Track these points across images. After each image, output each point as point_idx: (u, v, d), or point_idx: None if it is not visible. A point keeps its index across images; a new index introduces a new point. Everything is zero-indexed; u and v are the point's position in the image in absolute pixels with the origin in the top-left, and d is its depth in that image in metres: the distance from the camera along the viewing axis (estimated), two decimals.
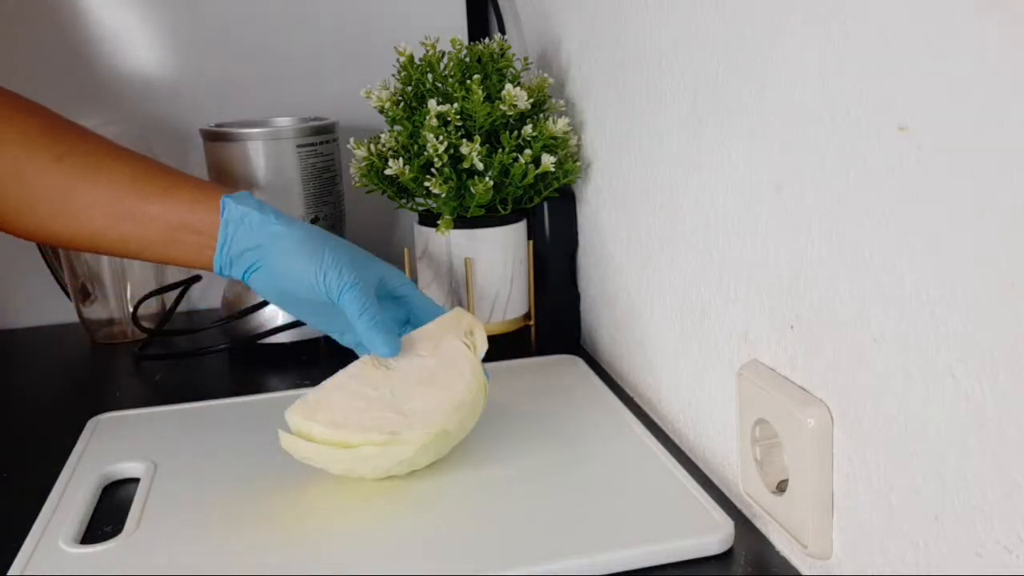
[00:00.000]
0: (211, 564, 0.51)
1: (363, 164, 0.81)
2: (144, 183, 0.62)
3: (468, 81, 0.78)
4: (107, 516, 0.58)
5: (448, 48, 0.81)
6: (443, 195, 0.76)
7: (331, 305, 0.62)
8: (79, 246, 0.64)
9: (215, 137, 0.87)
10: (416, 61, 0.81)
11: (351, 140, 0.81)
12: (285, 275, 0.62)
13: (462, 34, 1.07)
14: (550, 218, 0.85)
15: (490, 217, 0.80)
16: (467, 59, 0.81)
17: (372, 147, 0.80)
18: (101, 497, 0.61)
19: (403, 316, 0.67)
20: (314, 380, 0.80)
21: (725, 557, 0.52)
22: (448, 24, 1.05)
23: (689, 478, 0.58)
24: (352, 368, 0.61)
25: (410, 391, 0.59)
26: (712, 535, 0.52)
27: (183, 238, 0.62)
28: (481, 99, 0.76)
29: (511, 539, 0.53)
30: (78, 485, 0.61)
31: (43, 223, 0.61)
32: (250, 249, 0.62)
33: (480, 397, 0.61)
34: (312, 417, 0.57)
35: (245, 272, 0.63)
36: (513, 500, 0.57)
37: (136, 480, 0.62)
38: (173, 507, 0.58)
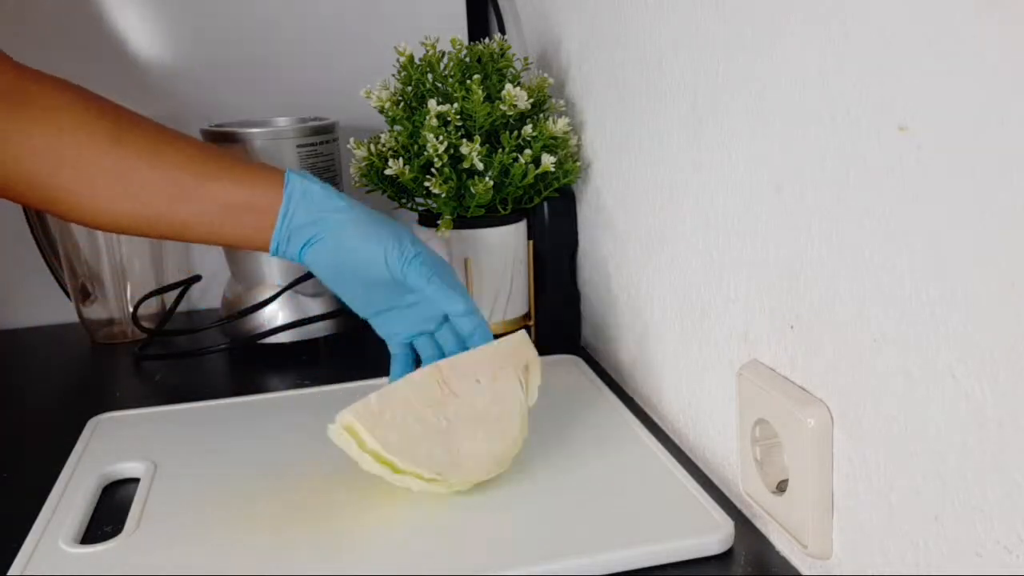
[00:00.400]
0: (211, 564, 0.51)
1: (363, 164, 0.81)
2: (203, 163, 0.62)
3: (468, 81, 0.78)
4: (107, 516, 0.58)
5: (448, 48, 0.81)
6: (443, 195, 0.76)
7: (387, 283, 0.62)
8: (139, 229, 0.63)
9: (215, 137, 0.87)
10: (416, 61, 0.81)
11: (351, 140, 0.81)
12: (347, 248, 0.62)
13: (462, 34, 1.07)
14: (550, 218, 0.85)
15: (490, 217, 0.80)
16: (467, 59, 0.81)
17: (372, 147, 0.80)
18: (101, 497, 0.61)
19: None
20: (314, 380, 0.80)
21: (725, 557, 0.52)
22: (448, 24, 1.05)
23: (689, 478, 0.58)
24: (417, 377, 0.58)
25: (464, 429, 0.57)
26: (712, 535, 0.52)
27: (242, 217, 0.62)
28: (481, 99, 0.76)
29: (511, 539, 0.53)
30: (78, 485, 0.61)
31: (103, 206, 0.61)
32: (311, 223, 0.62)
33: (519, 447, 0.60)
34: (371, 429, 0.55)
35: (303, 247, 0.62)
36: (513, 500, 0.57)
37: (136, 480, 0.62)
38: (173, 507, 0.58)
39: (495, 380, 0.59)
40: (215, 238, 0.64)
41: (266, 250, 0.63)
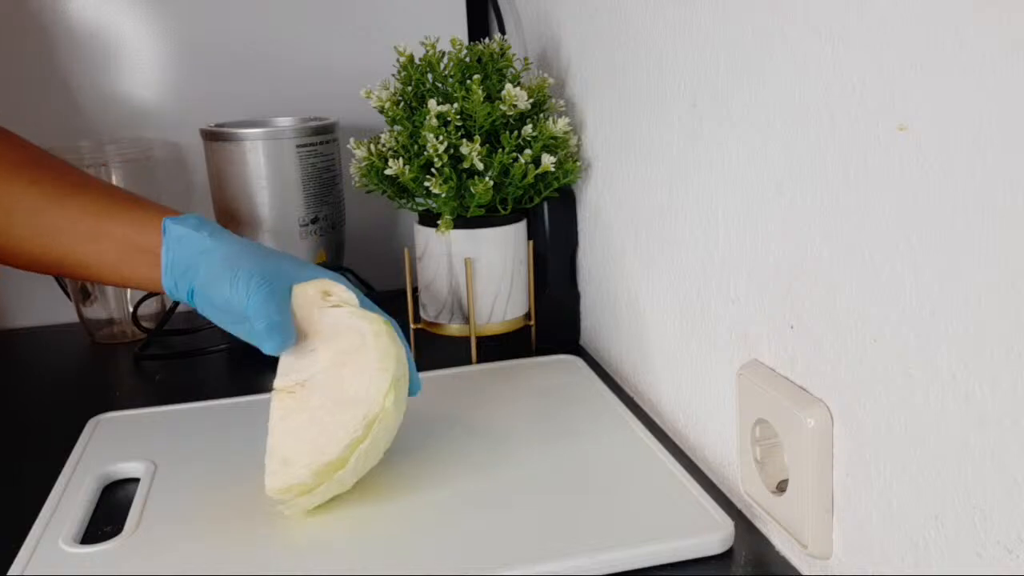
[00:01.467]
0: (211, 564, 0.51)
1: (363, 164, 0.81)
2: (106, 205, 0.65)
3: (468, 81, 0.78)
4: (107, 516, 0.58)
5: (448, 48, 0.81)
6: (443, 195, 0.76)
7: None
8: (48, 267, 0.67)
9: (215, 137, 0.87)
10: (416, 61, 0.81)
11: (351, 140, 0.81)
12: (209, 288, 0.61)
13: (462, 34, 1.07)
14: (550, 218, 0.85)
15: (490, 217, 0.80)
16: (467, 59, 0.81)
17: (372, 147, 0.80)
18: (101, 497, 0.61)
19: None
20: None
21: (725, 557, 0.52)
22: (448, 24, 1.05)
23: (689, 478, 0.58)
24: (274, 416, 0.58)
25: (338, 385, 0.56)
26: (712, 535, 0.52)
27: (137, 259, 0.64)
28: (481, 99, 0.76)
29: (511, 539, 0.53)
30: (78, 485, 0.61)
31: (17, 244, 0.64)
32: (188, 269, 0.62)
33: (383, 337, 0.57)
34: (291, 476, 0.54)
35: (188, 294, 0.63)
36: (513, 500, 0.57)
37: (136, 480, 0.62)
38: (173, 507, 0.58)
39: (316, 331, 0.59)
40: (117, 279, 0.66)
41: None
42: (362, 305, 0.60)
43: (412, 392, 0.61)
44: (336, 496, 0.56)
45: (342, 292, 0.60)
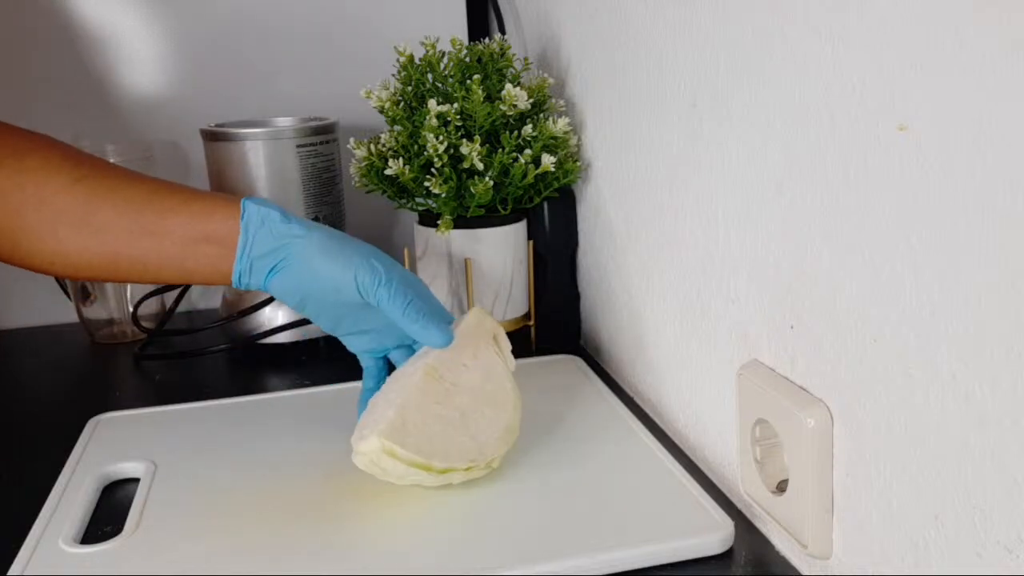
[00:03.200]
0: (211, 564, 0.51)
1: (363, 164, 0.81)
2: (162, 199, 0.62)
3: (468, 81, 0.78)
4: (107, 516, 0.58)
5: (448, 48, 0.81)
6: (443, 195, 0.76)
7: (356, 306, 0.62)
8: (99, 271, 0.63)
9: (215, 137, 0.87)
10: (416, 61, 0.81)
11: (351, 140, 0.81)
12: (312, 276, 0.61)
13: (462, 34, 1.07)
14: (550, 218, 0.85)
15: (490, 217, 0.80)
16: (467, 59, 0.81)
17: (372, 147, 0.80)
18: (101, 497, 0.61)
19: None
20: (314, 380, 0.80)
21: (725, 557, 0.52)
22: (448, 24, 1.05)
23: (689, 478, 0.58)
24: (415, 381, 0.59)
25: (474, 412, 0.59)
26: (712, 535, 0.52)
27: (202, 250, 0.61)
28: (481, 99, 0.76)
29: (511, 539, 0.53)
30: (78, 485, 0.61)
31: (66, 247, 0.61)
32: (272, 251, 0.61)
33: (520, 409, 0.63)
34: (402, 442, 0.55)
35: (267, 275, 0.61)
36: (513, 499, 0.57)
37: (136, 480, 0.62)
38: (173, 507, 0.58)
39: (476, 358, 0.62)
40: (178, 274, 0.63)
41: (229, 283, 0.62)
42: None
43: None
44: (334, 496, 0.56)
45: (507, 348, 0.65)
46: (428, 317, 0.61)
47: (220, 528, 0.55)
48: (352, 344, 0.66)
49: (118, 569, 0.52)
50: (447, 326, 0.62)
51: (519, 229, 0.83)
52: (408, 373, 0.60)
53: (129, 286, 0.94)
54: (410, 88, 0.81)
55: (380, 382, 0.65)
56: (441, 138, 0.75)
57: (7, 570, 0.52)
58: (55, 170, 0.61)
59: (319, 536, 0.54)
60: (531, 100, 0.79)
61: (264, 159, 0.86)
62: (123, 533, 0.55)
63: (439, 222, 0.78)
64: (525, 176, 0.77)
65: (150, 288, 0.92)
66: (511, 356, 0.65)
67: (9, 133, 0.63)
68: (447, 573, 0.50)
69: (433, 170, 0.77)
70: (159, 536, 0.55)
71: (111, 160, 0.93)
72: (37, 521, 0.56)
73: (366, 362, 0.67)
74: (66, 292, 0.98)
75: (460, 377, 0.61)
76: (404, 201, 0.82)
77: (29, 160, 0.61)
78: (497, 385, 0.62)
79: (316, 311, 0.63)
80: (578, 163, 0.82)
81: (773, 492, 0.51)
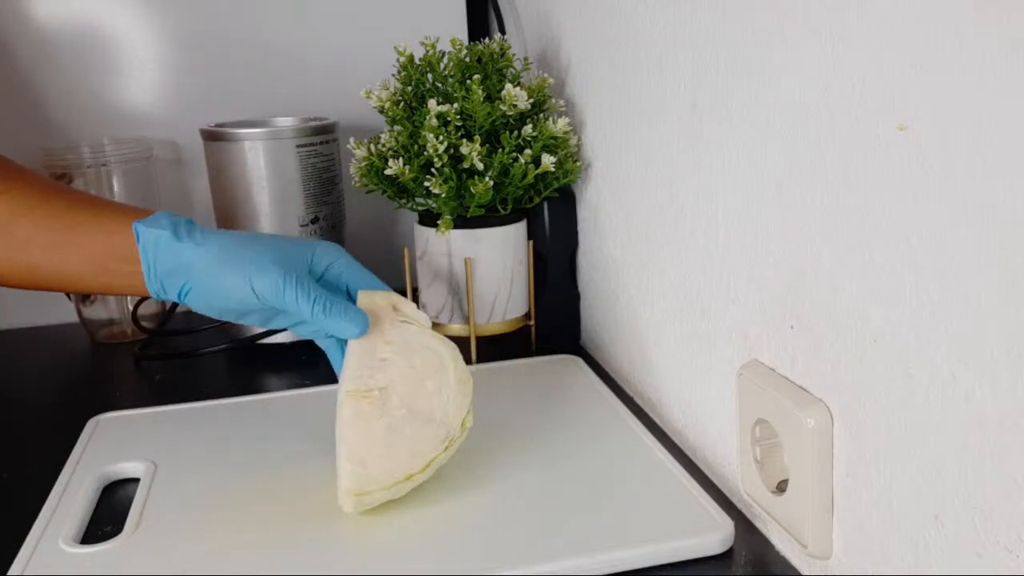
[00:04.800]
0: (211, 564, 0.51)
1: (363, 164, 0.81)
2: (75, 213, 0.62)
3: (468, 81, 0.78)
4: (107, 516, 0.58)
5: (448, 48, 0.81)
6: (443, 195, 0.76)
7: (271, 310, 0.61)
8: (22, 280, 0.63)
9: (215, 137, 0.87)
10: (416, 61, 0.81)
11: (351, 140, 0.81)
12: (215, 290, 0.60)
13: (462, 34, 1.07)
14: (550, 218, 0.85)
15: (490, 217, 0.80)
16: (467, 59, 0.81)
17: (372, 147, 0.80)
18: (101, 497, 0.61)
19: (343, 293, 0.64)
20: (314, 380, 0.80)
21: (725, 557, 0.52)
22: (448, 24, 1.05)
23: (689, 478, 0.58)
24: (345, 415, 0.56)
25: (418, 397, 0.57)
26: (712, 535, 0.52)
27: (113, 267, 0.61)
28: (481, 99, 0.76)
29: (511, 539, 0.53)
30: (78, 485, 0.61)
31: None
32: (174, 270, 0.61)
33: (458, 356, 0.60)
34: (368, 484, 0.55)
35: (179, 295, 0.61)
36: (513, 499, 0.57)
37: (136, 480, 0.62)
38: (173, 507, 0.58)
39: (389, 343, 0.59)
40: (96, 287, 0.63)
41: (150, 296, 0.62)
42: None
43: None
44: (333, 495, 0.56)
45: (412, 310, 0.61)
46: (337, 311, 0.59)
47: (220, 528, 0.55)
48: (300, 332, 0.65)
49: (118, 569, 0.52)
50: (358, 314, 0.59)
51: (519, 229, 0.83)
52: (339, 403, 0.58)
53: None
54: (410, 88, 0.81)
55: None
56: (441, 138, 0.75)
57: (7, 570, 0.52)
58: None
59: (319, 536, 0.54)
60: (531, 100, 0.79)
61: (264, 159, 0.86)
62: (123, 533, 0.55)
63: (439, 222, 0.78)
64: (525, 176, 0.77)
65: None
66: (419, 313, 0.61)
67: None
68: (447, 573, 0.50)
69: (433, 170, 0.77)
70: (159, 536, 0.55)
71: (111, 160, 0.93)
72: (37, 521, 0.56)
73: (323, 345, 0.65)
74: (66, 292, 0.98)
75: (384, 375, 0.58)
76: (404, 201, 0.82)
77: None
78: (423, 354, 0.59)
79: (239, 318, 0.63)
80: (578, 163, 0.82)
81: (773, 492, 0.51)
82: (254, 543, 0.54)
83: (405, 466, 0.55)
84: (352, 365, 0.58)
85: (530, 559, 0.50)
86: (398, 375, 0.58)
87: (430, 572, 0.50)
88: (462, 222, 0.79)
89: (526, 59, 0.86)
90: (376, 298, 0.61)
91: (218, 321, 0.88)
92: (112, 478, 0.63)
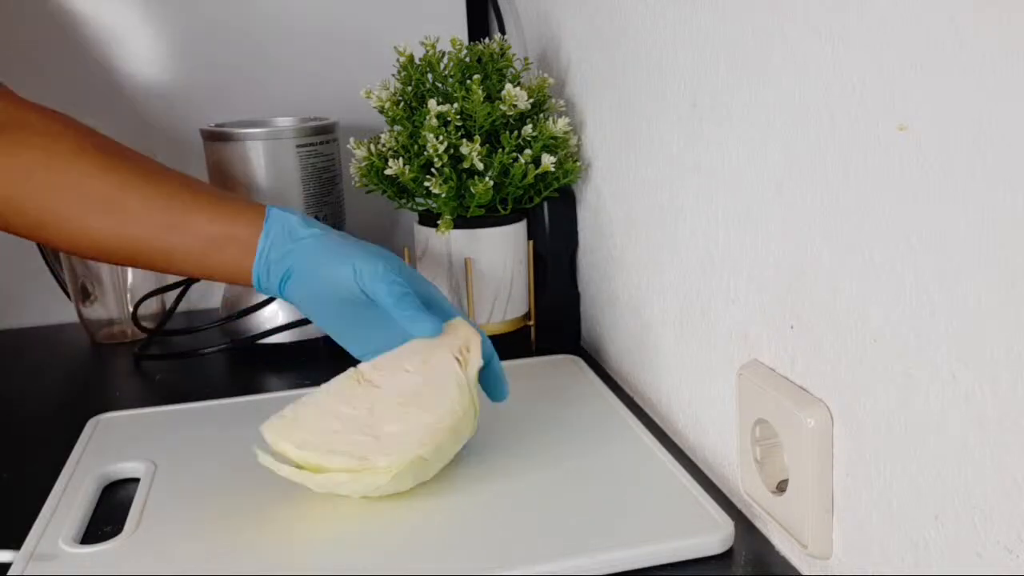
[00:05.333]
0: (211, 564, 0.51)
1: (363, 164, 0.81)
2: (191, 195, 0.64)
3: (468, 81, 0.78)
4: (107, 516, 0.58)
5: (448, 48, 0.81)
6: (443, 195, 0.76)
7: (358, 305, 0.61)
8: (123, 257, 0.65)
9: (215, 137, 0.87)
10: (416, 61, 0.81)
11: (351, 140, 0.81)
12: (315, 275, 0.62)
13: (462, 34, 1.07)
14: (550, 218, 0.85)
15: (490, 217, 0.80)
16: (467, 59, 0.81)
17: (372, 147, 0.80)
18: (101, 497, 0.61)
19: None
20: (314, 380, 0.80)
21: (725, 557, 0.52)
22: (448, 24, 1.05)
23: (689, 478, 0.58)
24: (333, 384, 0.59)
25: (389, 411, 0.56)
26: (712, 535, 0.52)
27: (225, 248, 0.63)
28: (481, 99, 0.76)
29: (511, 539, 0.53)
30: (78, 485, 0.61)
31: (92, 232, 0.62)
32: (284, 255, 0.62)
33: (464, 421, 0.57)
34: (287, 437, 0.55)
35: (281, 282, 0.63)
36: (513, 500, 0.57)
37: (136, 480, 0.62)
38: (173, 507, 0.58)
39: (426, 364, 0.59)
40: (200, 270, 0.65)
41: (251, 284, 0.63)
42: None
43: (498, 397, 0.64)
44: (334, 496, 0.56)
45: (475, 357, 0.60)
46: (419, 309, 0.60)
47: (220, 528, 0.55)
48: (355, 350, 0.65)
49: (118, 569, 0.52)
50: (436, 319, 0.61)
51: (519, 229, 0.83)
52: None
53: (129, 286, 0.94)
54: (410, 88, 0.81)
55: None
56: (441, 138, 0.75)
57: (7, 570, 0.52)
58: (85, 157, 0.62)
59: (320, 535, 0.54)
60: (531, 100, 0.79)
61: (264, 159, 0.86)
62: (123, 533, 0.55)
63: (439, 222, 0.78)
64: (525, 176, 0.77)
65: (150, 288, 0.92)
66: (477, 362, 0.59)
67: (41, 114, 0.64)
68: (447, 573, 0.50)
69: (433, 170, 0.77)
70: (159, 536, 0.55)
71: None
72: (37, 521, 0.56)
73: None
74: (66, 292, 0.97)
75: (391, 380, 0.58)
76: (404, 201, 0.82)
77: (59, 144, 0.62)
78: (438, 390, 0.58)
79: (323, 312, 0.64)
80: (578, 163, 0.82)
81: (773, 492, 0.51)
82: (253, 543, 0.53)
83: (313, 448, 0.55)
84: (378, 359, 0.60)
85: (530, 559, 0.50)
86: (397, 390, 0.58)
87: (430, 571, 0.50)
88: (462, 222, 0.79)
89: (526, 59, 0.86)
90: (461, 329, 0.62)
91: (219, 321, 0.88)
92: (112, 478, 0.63)
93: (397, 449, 0.55)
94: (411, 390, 0.58)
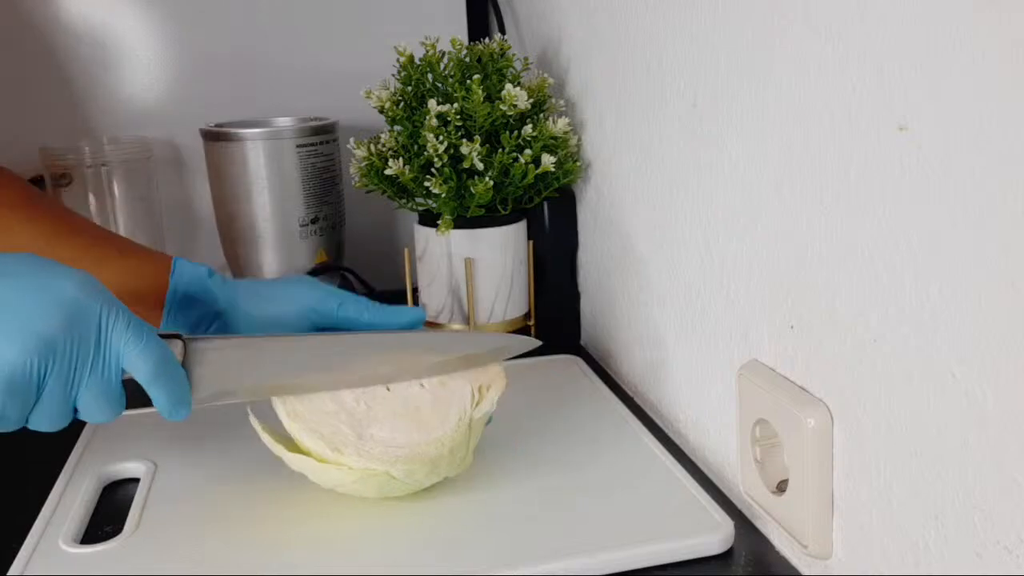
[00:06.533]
0: (212, 564, 0.51)
1: (363, 164, 0.81)
2: (103, 247, 0.63)
3: (468, 81, 0.78)
4: (107, 516, 0.58)
5: (448, 48, 0.81)
6: (443, 195, 0.76)
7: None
8: None
9: (215, 137, 0.87)
10: (416, 61, 0.81)
11: (351, 140, 0.81)
12: (258, 323, 0.60)
13: (462, 34, 1.07)
14: (550, 218, 0.85)
15: (490, 217, 0.80)
16: (467, 59, 0.81)
17: (372, 147, 0.80)
18: (101, 497, 0.61)
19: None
20: None
21: (725, 557, 0.52)
22: (448, 24, 1.05)
23: (689, 478, 0.58)
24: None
25: (384, 416, 0.55)
26: (712, 535, 0.52)
27: (132, 308, 0.59)
28: (481, 99, 0.76)
29: (511, 539, 0.53)
30: (78, 485, 0.61)
31: None
32: (204, 316, 0.60)
33: (449, 458, 0.55)
34: (286, 401, 0.55)
35: (198, 328, 0.61)
36: (513, 499, 0.57)
37: (136, 480, 0.62)
38: (173, 507, 0.58)
39: (442, 386, 0.57)
40: None
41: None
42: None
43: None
44: (334, 495, 0.56)
45: (491, 399, 0.58)
46: (388, 307, 0.60)
47: (221, 528, 0.55)
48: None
49: (119, 569, 0.52)
50: (414, 309, 0.61)
51: (519, 229, 0.83)
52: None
53: None
54: (410, 88, 0.81)
55: None
56: (441, 138, 0.75)
57: (7, 570, 0.52)
58: (12, 207, 0.63)
59: (321, 535, 0.54)
60: (531, 100, 0.79)
61: (264, 159, 0.86)
62: (123, 533, 0.55)
63: (439, 222, 0.78)
64: (525, 176, 0.77)
65: None
66: (488, 405, 0.57)
67: None
68: (447, 572, 0.50)
69: (433, 170, 0.77)
70: (160, 536, 0.55)
71: (111, 160, 0.93)
72: (37, 521, 0.56)
73: None
74: None
75: (403, 387, 0.57)
76: (404, 201, 0.82)
77: None
78: (439, 416, 0.56)
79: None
80: (578, 163, 0.82)
81: (773, 492, 0.51)
82: (254, 543, 0.53)
83: (299, 418, 0.55)
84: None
85: (531, 559, 0.50)
86: (403, 399, 0.56)
87: (431, 571, 0.50)
88: (462, 222, 0.79)
89: (526, 59, 0.86)
90: (494, 369, 0.60)
91: None
92: (112, 478, 0.63)
93: (371, 456, 0.54)
94: (414, 404, 0.56)
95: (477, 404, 0.57)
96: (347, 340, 0.58)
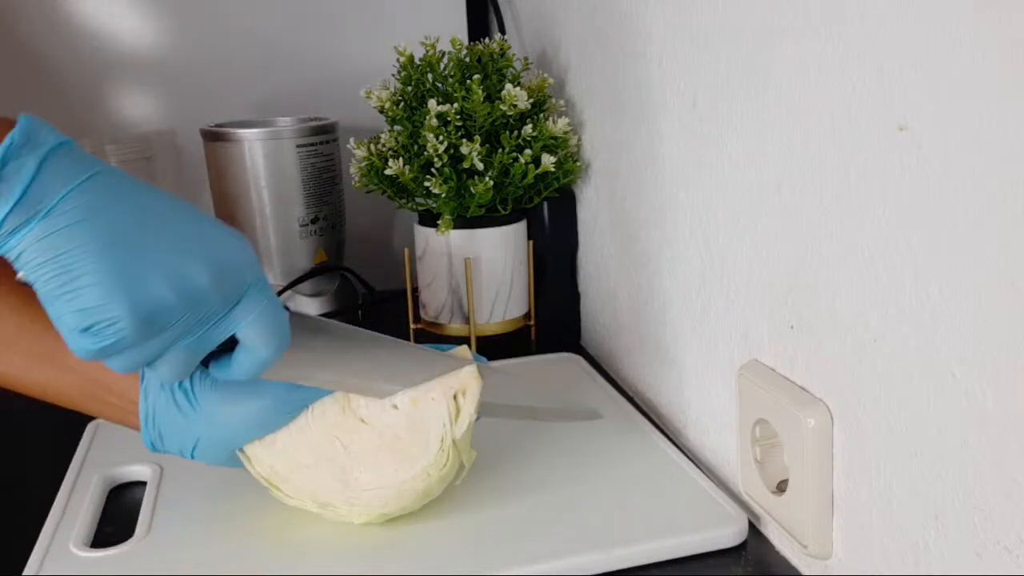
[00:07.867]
0: (225, 567, 0.51)
1: (363, 164, 0.81)
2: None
3: (468, 81, 0.78)
4: (115, 520, 0.58)
5: (448, 48, 0.81)
6: (443, 195, 0.76)
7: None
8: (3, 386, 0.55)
9: (215, 137, 0.87)
10: (416, 61, 0.81)
11: (351, 140, 0.81)
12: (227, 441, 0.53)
13: (462, 34, 1.07)
14: (550, 218, 0.85)
15: (490, 217, 0.80)
16: (467, 59, 0.81)
17: (372, 147, 0.80)
18: (107, 500, 0.61)
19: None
20: None
21: (734, 552, 0.52)
22: (448, 24, 1.05)
23: (697, 471, 0.58)
24: (318, 406, 0.53)
25: (366, 455, 0.53)
26: (725, 528, 0.53)
27: (103, 396, 0.54)
28: (481, 99, 0.76)
29: (524, 535, 0.53)
30: (84, 488, 0.61)
31: None
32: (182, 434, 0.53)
33: (438, 483, 0.54)
34: (262, 458, 0.53)
35: (190, 453, 0.54)
36: (519, 497, 0.57)
37: (141, 483, 0.62)
38: (183, 511, 0.58)
39: (415, 404, 0.54)
40: (85, 411, 0.56)
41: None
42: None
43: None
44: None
45: (469, 408, 0.54)
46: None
47: (233, 531, 0.55)
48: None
49: (133, 572, 0.51)
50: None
51: (519, 229, 0.83)
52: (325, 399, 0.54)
53: None
54: (410, 88, 0.81)
55: None
56: (441, 138, 0.75)
57: (20, 571, 0.52)
58: None
59: (330, 536, 0.54)
60: (531, 100, 0.79)
61: (264, 159, 0.86)
62: (135, 536, 0.55)
63: (439, 222, 0.78)
64: (525, 176, 0.77)
65: None
66: (467, 418, 0.53)
67: None
68: (454, 572, 0.50)
69: (433, 170, 0.77)
70: (172, 539, 0.54)
71: (112, 160, 0.93)
72: (46, 524, 0.56)
73: None
74: None
75: (376, 417, 0.53)
76: (404, 201, 0.82)
77: None
78: (418, 443, 0.53)
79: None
80: (578, 163, 0.82)
81: (773, 492, 0.51)
82: (266, 547, 0.54)
83: (282, 480, 0.53)
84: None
85: (545, 555, 0.51)
86: (379, 431, 0.53)
87: (437, 570, 0.50)
88: (462, 222, 0.79)
89: (526, 59, 0.86)
90: (465, 371, 0.55)
91: None
92: (118, 481, 0.63)
93: (361, 503, 0.53)
94: (392, 433, 0.53)
95: (456, 419, 0.53)
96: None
